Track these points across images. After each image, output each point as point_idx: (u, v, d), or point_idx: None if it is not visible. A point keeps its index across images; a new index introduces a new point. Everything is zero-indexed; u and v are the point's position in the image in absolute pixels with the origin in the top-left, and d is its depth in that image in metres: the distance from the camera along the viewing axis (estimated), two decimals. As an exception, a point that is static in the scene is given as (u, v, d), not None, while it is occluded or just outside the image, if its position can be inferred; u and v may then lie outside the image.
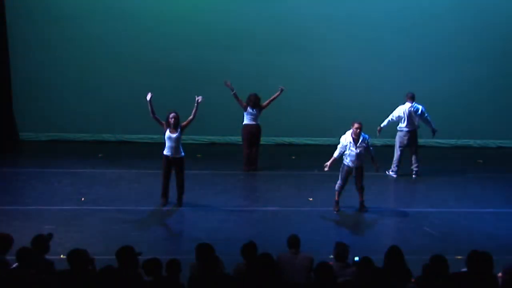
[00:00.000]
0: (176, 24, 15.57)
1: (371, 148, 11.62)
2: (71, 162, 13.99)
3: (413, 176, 13.85)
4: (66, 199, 11.87)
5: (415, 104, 13.73)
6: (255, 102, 13.63)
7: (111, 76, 15.59)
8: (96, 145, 15.52)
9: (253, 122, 13.70)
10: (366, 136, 11.49)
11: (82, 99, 15.61)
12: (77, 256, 6.99)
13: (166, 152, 11.43)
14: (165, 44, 15.55)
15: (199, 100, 11.65)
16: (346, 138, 11.38)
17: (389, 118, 13.80)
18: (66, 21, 15.38)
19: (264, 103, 13.75)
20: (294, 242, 8.00)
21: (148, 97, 11.50)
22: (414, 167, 13.83)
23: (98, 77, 15.59)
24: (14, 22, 15.05)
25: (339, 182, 11.61)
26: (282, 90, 13.75)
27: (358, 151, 11.35)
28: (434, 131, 14.05)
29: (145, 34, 15.49)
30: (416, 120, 13.79)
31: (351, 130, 11.39)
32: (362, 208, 11.72)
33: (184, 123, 11.49)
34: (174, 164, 11.48)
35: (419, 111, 13.72)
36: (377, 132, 13.70)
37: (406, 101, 13.75)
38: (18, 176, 13.05)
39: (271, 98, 13.79)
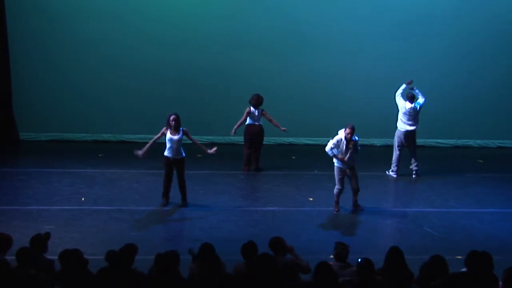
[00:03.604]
0: (177, 26, 15.56)
1: (359, 148, 11.53)
2: (71, 162, 14.00)
3: (413, 175, 13.85)
4: (66, 199, 11.86)
5: (414, 104, 13.69)
6: (257, 101, 13.61)
7: (111, 76, 15.58)
8: (96, 145, 15.53)
9: (256, 123, 13.69)
10: (356, 138, 11.44)
11: (82, 99, 15.61)
12: (74, 256, 7.00)
13: (166, 153, 11.44)
14: (165, 45, 15.55)
15: (210, 151, 11.72)
16: (340, 138, 11.36)
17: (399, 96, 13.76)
18: (66, 22, 15.38)
19: (267, 116, 13.69)
20: (274, 245, 7.74)
21: (139, 153, 11.64)
22: (413, 167, 13.83)
23: (98, 77, 15.59)
24: (14, 22, 15.06)
25: (337, 186, 11.59)
26: (283, 130, 13.89)
27: (349, 153, 11.31)
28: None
29: (145, 35, 15.48)
30: (416, 118, 13.72)
31: (343, 132, 11.36)
32: (357, 207, 11.67)
33: (188, 133, 11.49)
34: (175, 165, 11.49)
35: (418, 108, 13.69)
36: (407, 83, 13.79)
37: (406, 100, 13.72)
38: (18, 176, 13.05)
39: (273, 121, 13.77)
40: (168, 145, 11.39)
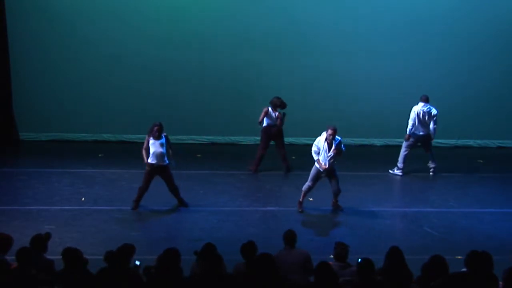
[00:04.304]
0: (177, 26, 15.54)
1: (343, 147, 11.47)
2: (71, 162, 13.99)
3: (431, 173, 13.92)
4: (66, 199, 11.87)
5: (429, 106, 13.65)
6: (275, 104, 13.53)
7: (111, 77, 15.57)
8: (96, 145, 15.52)
9: (273, 124, 13.64)
10: (339, 138, 11.41)
11: (82, 99, 15.60)
12: (75, 254, 7.02)
13: (150, 160, 11.34)
14: (165, 45, 15.52)
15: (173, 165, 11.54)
16: (321, 141, 11.32)
17: (410, 123, 13.67)
18: (66, 22, 15.36)
19: (279, 117, 13.64)
20: (287, 238, 8.08)
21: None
22: (431, 165, 13.91)
23: (98, 77, 15.57)
24: (14, 22, 15.05)
25: (308, 183, 11.56)
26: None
27: (331, 155, 11.27)
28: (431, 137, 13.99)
29: (145, 35, 15.46)
30: (429, 122, 13.66)
31: (325, 134, 11.33)
32: (337, 207, 11.66)
33: (168, 138, 11.44)
34: (159, 173, 11.41)
35: (433, 113, 13.64)
36: (406, 139, 13.75)
37: (420, 102, 13.67)
38: (18, 176, 13.05)
39: (277, 123, 13.72)
40: (151, 150, 11.31)
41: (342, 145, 11.43)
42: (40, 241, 7.54)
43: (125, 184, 12.80)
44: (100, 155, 14.65)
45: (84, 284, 6.81)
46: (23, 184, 12.58)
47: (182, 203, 11.64)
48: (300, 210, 11.67)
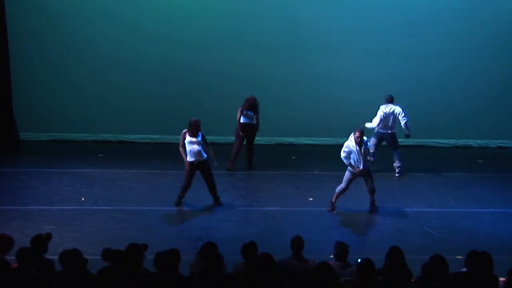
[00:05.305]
0: (177, 26, 15.55)
1: (369, 145, 11.56)
2: (71, 162, 14.00)
3: (396, 174, 13.85)
4: (66, 199, 11.87)
5: (391, 105, 13.67)
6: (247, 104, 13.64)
7: (111, 76, 15.58)
8: (96, 145, 15.53)
9: (252, 122, 13.67)
10: (365, 139, 11.47)
11: (82, 99, 15.61)
12: (73, 256, 7.01)
13: (189, 158, 11.40)
14: (165, 45, 15.53)
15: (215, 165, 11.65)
16: (350, 145, 11.35)
17: (376, 121, 13.77)
18: (66, 22, 15.37)
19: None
20: (295, 244, 7.87)
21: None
22: (396, 164, 13.83)
23: (98, 77, 15.58)
24: (14, 22, 15.06)
25: (341, 185, 11.59)
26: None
27: (363, 158, 11.33)
28: (407, 135, 13.88)
29: (145, 35, 15.47)
30: (391, 122, 13.68)
31: (352, 137, 11.36)
32: (373, 208, 11.68)
33: (204, 137, 11.50)
34: (199, 169, 11.49)
35: (396, 111, 13.65)
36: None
37: (385, 103, 13.73)
38: (18, 176, 13.05)
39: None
40: (188, 148, 11.36)
41: (369, 144, 11.48)
42: (41, 241, 7.53)
43: (125, 184, 12.80)
44: (100, 155, 14.66)
45: (84, 284, 6.80)
46: (23, 184, 12.58)
47: (217, 202, 11.71)
48: (330, 209, 11.66)
